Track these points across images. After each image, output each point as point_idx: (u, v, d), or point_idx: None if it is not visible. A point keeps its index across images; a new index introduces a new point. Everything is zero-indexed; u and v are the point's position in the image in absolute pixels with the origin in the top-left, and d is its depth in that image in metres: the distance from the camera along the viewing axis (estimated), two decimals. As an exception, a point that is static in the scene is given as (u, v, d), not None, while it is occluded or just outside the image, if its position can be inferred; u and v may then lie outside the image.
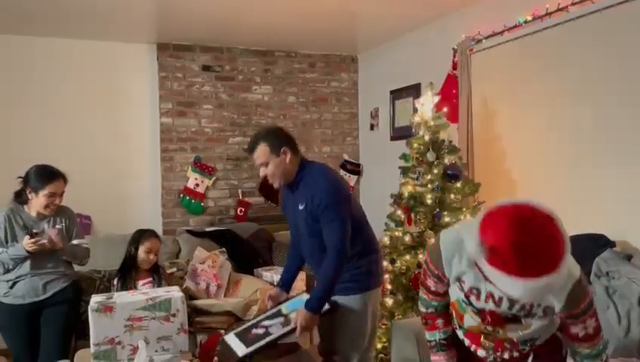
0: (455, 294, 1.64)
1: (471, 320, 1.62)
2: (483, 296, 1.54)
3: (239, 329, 2.41)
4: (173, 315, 1.75)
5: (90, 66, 4.42)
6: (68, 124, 4.34)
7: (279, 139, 2.39)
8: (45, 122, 4.28)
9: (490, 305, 1.54)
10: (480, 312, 1.58)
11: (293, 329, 2.25)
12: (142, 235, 3.10)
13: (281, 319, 2.35)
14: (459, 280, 1.59)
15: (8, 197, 2.84)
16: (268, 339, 2.23)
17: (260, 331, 2.29)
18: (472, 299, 1.58)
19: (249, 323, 2.42)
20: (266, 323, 2.35)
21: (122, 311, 1.71)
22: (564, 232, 1.37)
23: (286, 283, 2.60)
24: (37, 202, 2.74)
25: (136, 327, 1.72)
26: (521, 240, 1.32)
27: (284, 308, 2.39)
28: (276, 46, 4.85)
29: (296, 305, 2.33)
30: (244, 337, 2.29)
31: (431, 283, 1.70)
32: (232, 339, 2.30)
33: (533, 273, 1.31)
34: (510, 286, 1.36)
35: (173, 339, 1.75)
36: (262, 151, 2.35)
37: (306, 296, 2.35)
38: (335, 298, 2.33)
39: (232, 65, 4.78)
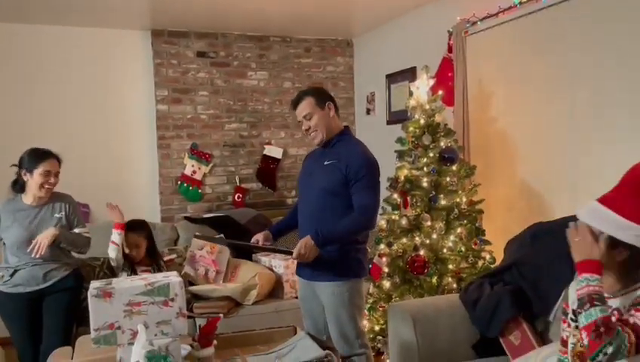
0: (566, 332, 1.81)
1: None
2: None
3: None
4: (172, 300, 1.76)
5: (84, 54, 4.39)
6: (63, 113, 4.33)
7: (325, 94, 2.50)
8: (39, 111, 4.26)
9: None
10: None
11: (290, 252, 2.33)
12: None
13: None
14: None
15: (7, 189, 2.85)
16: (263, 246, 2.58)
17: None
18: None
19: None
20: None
21: (121, 296, 1.73)
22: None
23: (277, 229, 2.67)
24: (33, 183, 2.72)
25: (136, 312, 1.73)
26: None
27: None
28: (271, 31, 4.82)
29: None
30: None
31: (564, 327, 1.81)
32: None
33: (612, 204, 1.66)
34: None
35: (172, 323, 1.76)
36: (307, 102, 2.42)
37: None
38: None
39: (227, 51, 4.76)
